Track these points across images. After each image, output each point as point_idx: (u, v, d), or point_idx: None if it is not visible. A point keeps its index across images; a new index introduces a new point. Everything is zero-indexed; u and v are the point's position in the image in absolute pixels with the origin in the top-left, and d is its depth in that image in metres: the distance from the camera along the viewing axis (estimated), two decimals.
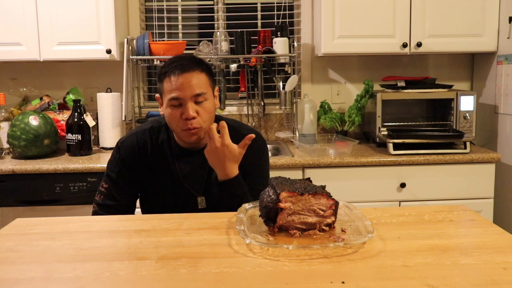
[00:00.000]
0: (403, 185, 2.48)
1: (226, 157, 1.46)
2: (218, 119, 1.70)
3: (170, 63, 1.53)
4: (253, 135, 1.47)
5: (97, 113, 2.79)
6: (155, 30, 3.06)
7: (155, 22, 3.06)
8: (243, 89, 2.99)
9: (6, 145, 2.62)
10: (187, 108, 1.48)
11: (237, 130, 1.64)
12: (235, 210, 1.33)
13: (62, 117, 2.72)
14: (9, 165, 2.41)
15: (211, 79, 1.57)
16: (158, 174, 1.62)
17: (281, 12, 3.07)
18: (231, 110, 3.06)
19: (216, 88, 1.61)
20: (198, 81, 1.50)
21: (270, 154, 2.79)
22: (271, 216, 1.21)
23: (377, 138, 2.69)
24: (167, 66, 1.52)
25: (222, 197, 1.51)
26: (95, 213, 1.63)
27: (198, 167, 1.60)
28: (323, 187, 1.24)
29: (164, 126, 1.65)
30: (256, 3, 3.11)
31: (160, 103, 1.59)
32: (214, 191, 1.57)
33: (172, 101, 1.49)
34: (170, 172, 1.61)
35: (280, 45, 2.80)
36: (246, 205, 1.36)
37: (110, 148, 2.70)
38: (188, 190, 1.61)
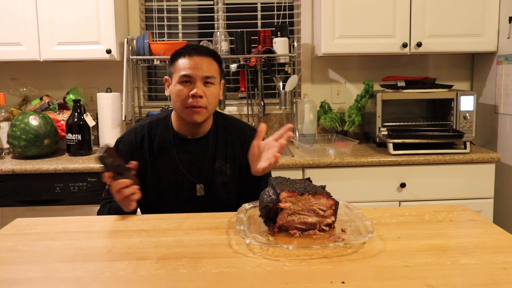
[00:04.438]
0: (403, 185, 2.48)
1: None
2: (220, 116, 1.76)
3: (186, 46, 1.63)
4: (264, 126, 1.45)
5: (97, 113, 2.78)
6: (155, 30, 3.06)
7: (155, 22, 3.06)
8: (243, 89, 2.99)
9: (6, 145, 2.62)
10: (197, 86, 1.56)
11: (235, 125, 1.75)
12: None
13: (62, 117, 2.72)
14: (9, 165, 2.41)
15: (221, 71, 1.66)
16: (158, 164, 1.67)
17: (281, 12, 3.07)
18: (231, 110, 3.06)
19: (222, 81, 1.69)
20: (210, 66, 1.59)
21: None
22: (271, 216, 1.21)
23: (377, 138, 2.69)
24: (183, 48, 1.62)
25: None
26: (101, 207, 1.67)
27: (198, 155, 1.67)
28: (323, 187, 1.24)
29: (163, 119, 1.71)
30: (256, 3, 3.11)
31: (168, 84, 1.66)
32: (215, 179, 1.65)
33: (184, 78, 1.57)
34: (170, 161, 1.66)
35: (280, 45, 2.80)
36: (246, 205, 1.36)
37: None
38: (187, 178, 1.66)
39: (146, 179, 1.67)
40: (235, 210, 1.69)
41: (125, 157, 1.64)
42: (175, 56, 1.61)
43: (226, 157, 1.68)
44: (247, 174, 1.67)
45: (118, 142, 1.70)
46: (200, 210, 1.64)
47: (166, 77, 1.67)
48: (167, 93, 1.66)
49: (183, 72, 1.56)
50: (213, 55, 1.62)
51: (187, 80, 1.57)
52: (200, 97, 1.55)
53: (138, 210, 1.84)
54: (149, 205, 1.71)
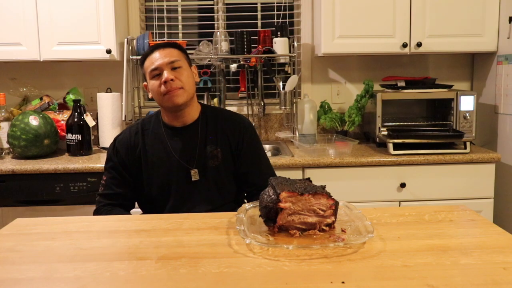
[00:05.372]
0: (403, 185, 2.48)
1: None
2: (209, 107, 1.86)
3: (147, 49, 1.77)
4: None
5: (97, 113, 2.78)
6: (155, 30, 3.06)
7: (155, 22, 3.06)
8: (243, 89, 2.99)
9: (6, 145, 2.62)
10: (165, 72, 1.66)
11: (223, 112, 1.85)
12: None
13: (62, 117, 2.72)
14: (9, 165, 2.41)
15: (185, 55, 1.76)
16: (153, 156, 1.74)
17: (281, 12, 3.07)
18: (231, 110, 3.06)
19: (193, 66, 1.79)
20: (172, 52, 1.71)
21: (270, 154, 2.79)
22: (271, 216, 1.21)
23: (377, 138, 2.69)
24: (145, 51, 1.75)
25: None
26: (98, 202, 1.75)
27: (189, 142, 1.75)
28: (323, 187, 1.24)
29: (154, 115, 1.81)
30: (256, 3, 3.11)
31: (147, 89, 1.75)
32: (207, 164, 1.73)
33: (153, 72, 1.68)
34: (164, 151, 1.74)
35: (280, 45, 2.80)
36: (246, 205, 1.36)
37: None
38: (181, 164, 1.72)
39: (143, 173, 1.74)
40: (233, 195, 1.73)
41: (121, 153, 1.75)
42: (142, 60, 1.74)
43: (217, 142, 1.75)
44: (239, 159, 1.76)
45: (115, 140, 1.80)
46: (197, 195, 1.71)
47: (144, 83, 1.78)
48: (150, 95, 1.75)
49: (151, 68, 1.68)
50: (172, 45, 1.73)
51: (156, 73, 1.67)
52: (172, 80, 1.65)
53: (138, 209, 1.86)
54: (148, 198, 1.77)
